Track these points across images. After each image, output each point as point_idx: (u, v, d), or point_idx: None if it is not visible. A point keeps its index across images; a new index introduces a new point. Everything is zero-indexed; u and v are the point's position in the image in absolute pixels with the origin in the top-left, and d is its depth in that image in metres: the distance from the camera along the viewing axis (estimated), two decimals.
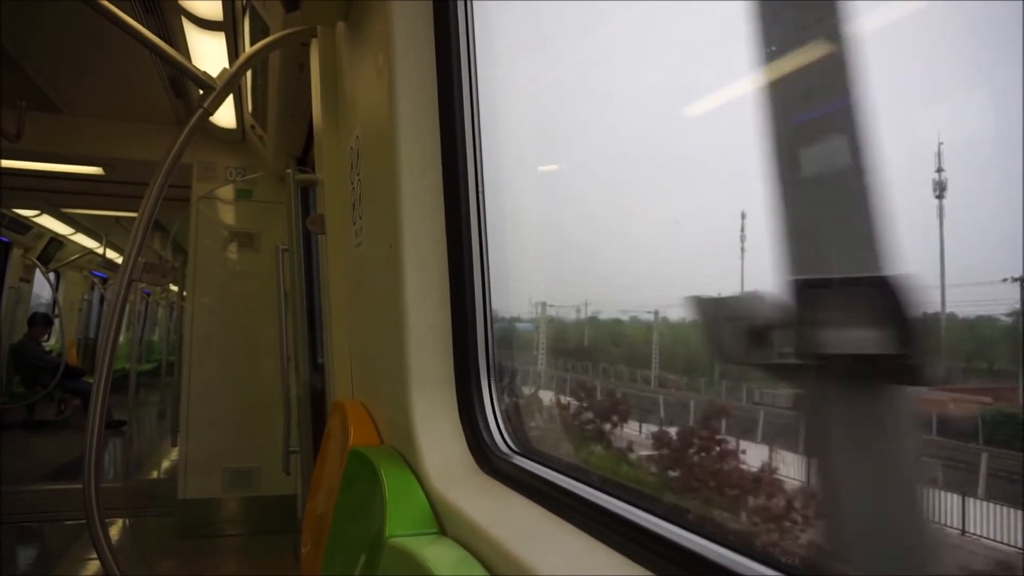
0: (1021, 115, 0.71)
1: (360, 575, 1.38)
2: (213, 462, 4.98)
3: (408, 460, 1.42)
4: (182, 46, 3.64)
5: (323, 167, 2.29)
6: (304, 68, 2.84)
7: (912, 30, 0.94)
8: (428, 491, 1.31)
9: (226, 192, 5.21)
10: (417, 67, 1.45)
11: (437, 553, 1.11)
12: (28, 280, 10.06)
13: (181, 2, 3.21)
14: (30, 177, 5.80)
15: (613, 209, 1.61)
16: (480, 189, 1.44)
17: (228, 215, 5.27)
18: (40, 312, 10.11)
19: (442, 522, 1.25)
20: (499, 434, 1.38)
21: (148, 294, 13.72)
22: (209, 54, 3.67)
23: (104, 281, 13.10)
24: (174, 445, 5.28)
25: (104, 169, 5.58)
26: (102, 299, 13.41)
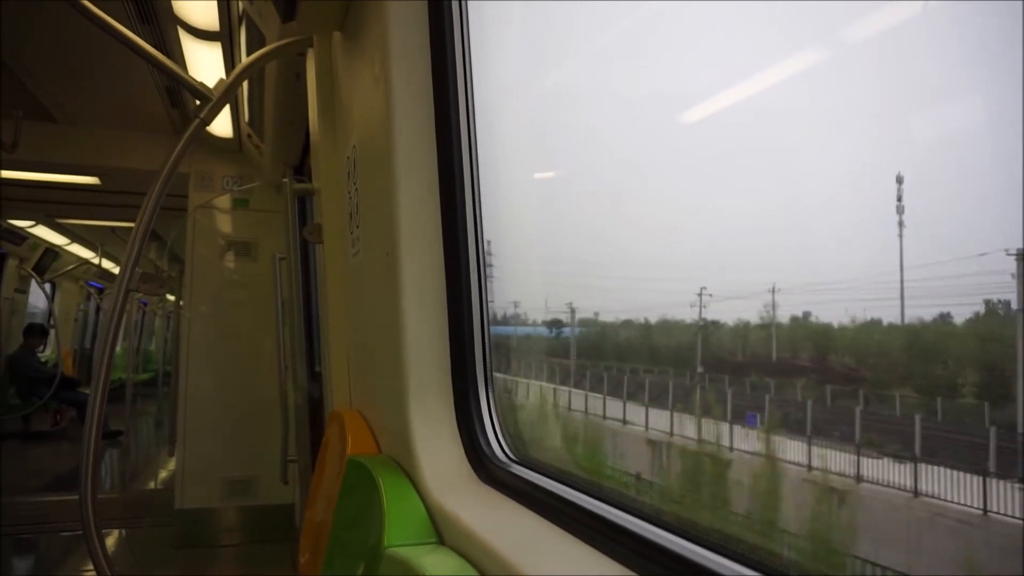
0: (1021, 115, 0.71)
1: None
2: (210, 472, 4.95)
3: (406, 469, 1.41)
4: (178, 56, 3.65)
5: (320, 176, 2.29)
6: (301, 77, 2.84)
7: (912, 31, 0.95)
8: (426, 500, 1.30)
9: (223, 202, 5.21)
10: (413, 76, 1.45)
11: (435, 562, 1.10)
12: (24, 291, 10.04)
13: (177, 13, 3.21)
14: (26, 187, 5.80)
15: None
16: (476, 197, 1.44)
17: (225, 224, 5.27)
18: (36, 323, 10.07)
19: (440, 531, 1.25)
20: (496, 443, 1.38)
21: (146, 304, 13.68)
22: (205, 64, 3.67)
23: (100, 291, 13.06)
24: (171, 455, 5.25)
25: (100, 179, 5.58)
26: (98, 309, 13.38)
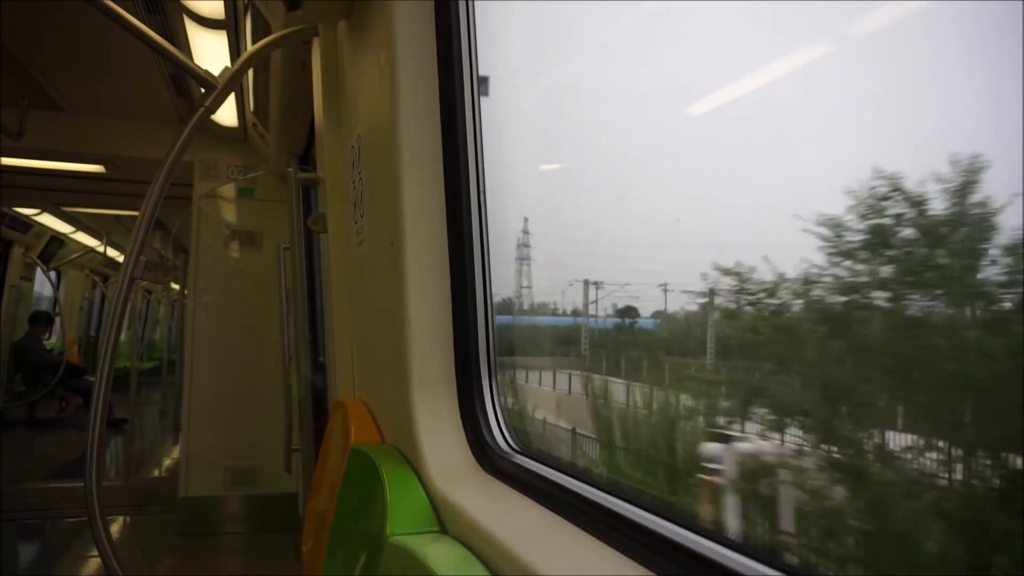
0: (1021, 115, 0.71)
1: (361, 574, 1.38)
2: (214, 460, 4.98)
3: (409, 459, 1.42)
4: (184, 44, 3.64)
5: (324, 166, 2.29)
6: (306, 66, 2.84)
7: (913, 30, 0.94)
8: (429, 490, 1.31)
9: (228, 191, 5.21)
10: (419, 66, 1.45)
11: (438, 552, 1.11)
12: (29, 278, 10.06)
13: (183, 1, 3.21)
14: (31, 175, 5.81)
15: None
16: (481, 187, 1.44)
17: (230, 214, 5.27)
18: (41, 310, 10.11)
19: (443, 521, 1.25)
20: (500, 433, 1.38)
21: (150, 292, 13.72)
22: (211, 52, 3.67)
23: (105, 279, 13.10)
24: (175, 443, 5.28)
25: (105, 167, 5.58)
26: (103, 297, 13.42)
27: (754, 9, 1.23)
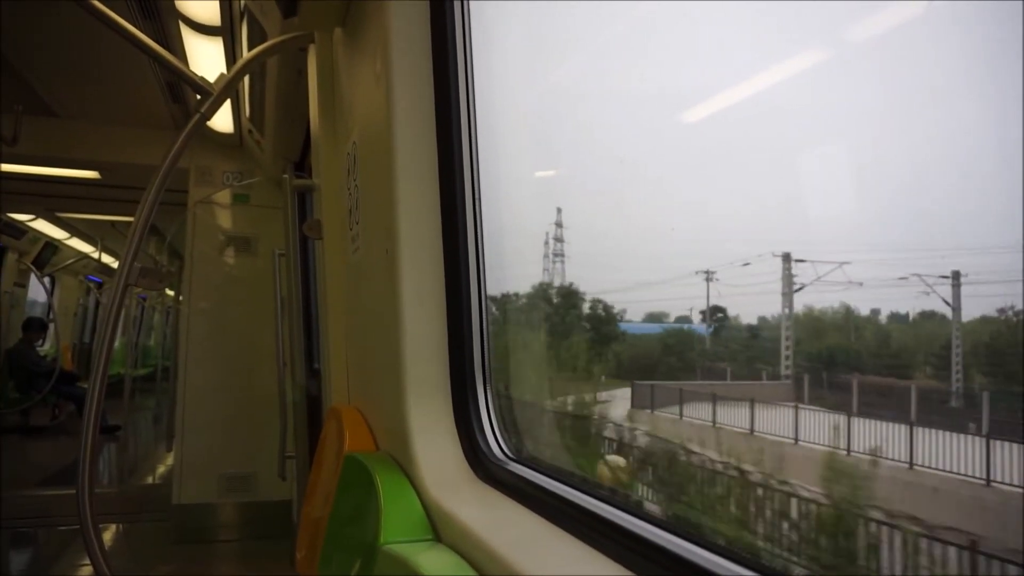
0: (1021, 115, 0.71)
1: None
2: (209, 467, 4.95)
3: (403, 467, 1.41)
4: (179, 51, 3.64)
5: (320, 172, 2.29)
6: (302, 73, 2.84)
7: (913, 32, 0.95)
8: (423, 498, 1.30)
9: (223, 197, 5.20)
10: (414, 73, 1.45)
11: (431, 560, 1.10)
12: (23, 285, 10.03)
13: (179, 7, 3.21)
14: (26, 181, 5.79)
15: None
16: (476, 195, 1.44)
17: (225, 220, 5.26)
18: (35, 317, 10.07)
19: (437, 529, 1.25)
20: (494, 441, 1.38)
21: (144, 299, 13.67)
22: (207, 59, 3.67)
23: (99, 286, 13.06)
24: (169, 450, 5.25)
25: (100, 173, 5.57)
26: (97, 304, 13.38)
27: (753, 11, 1.23)
